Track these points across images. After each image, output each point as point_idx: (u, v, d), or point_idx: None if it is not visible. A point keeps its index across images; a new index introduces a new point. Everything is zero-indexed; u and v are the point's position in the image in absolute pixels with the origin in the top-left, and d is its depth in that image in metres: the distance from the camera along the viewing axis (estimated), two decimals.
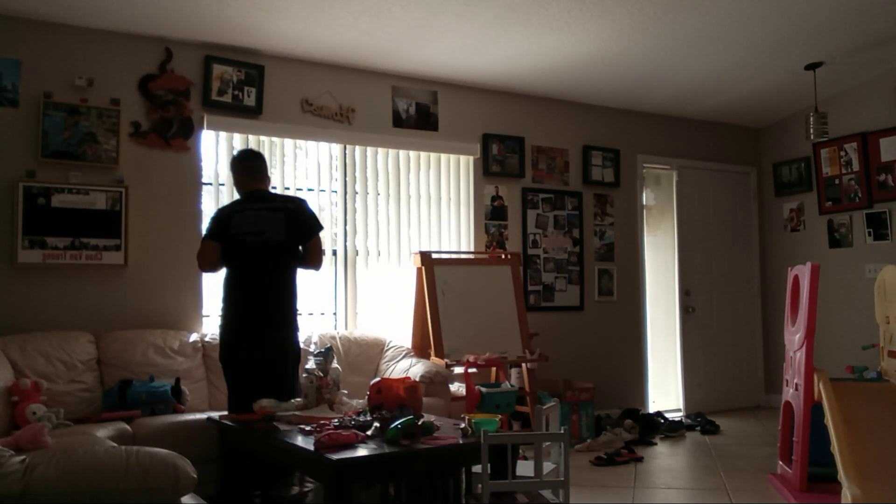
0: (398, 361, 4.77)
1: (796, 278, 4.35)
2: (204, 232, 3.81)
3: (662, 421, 5.83)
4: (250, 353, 3.61)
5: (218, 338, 3.79)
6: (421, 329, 5.06)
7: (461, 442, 2.79)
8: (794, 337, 4.24)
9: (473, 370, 4.67)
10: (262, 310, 3.65)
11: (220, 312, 3.74)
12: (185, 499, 2.01)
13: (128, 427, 3.61)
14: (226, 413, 3.60)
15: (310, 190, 5.06)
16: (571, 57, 5.19)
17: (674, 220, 6.69)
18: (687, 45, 5.09)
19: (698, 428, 5.88)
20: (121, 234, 4.33)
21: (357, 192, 5.19)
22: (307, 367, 3.63)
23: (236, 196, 3.92)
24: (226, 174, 4.75)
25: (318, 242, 3.76)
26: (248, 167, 3.84)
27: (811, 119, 5.70)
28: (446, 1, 4.26)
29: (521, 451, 3.70)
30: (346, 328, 5.11)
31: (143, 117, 4.49)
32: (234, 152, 4.20)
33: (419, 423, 2.86)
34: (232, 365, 3.66)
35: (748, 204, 7.11)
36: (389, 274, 5.29)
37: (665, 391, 6.60)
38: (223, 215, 3.74)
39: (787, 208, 6.86)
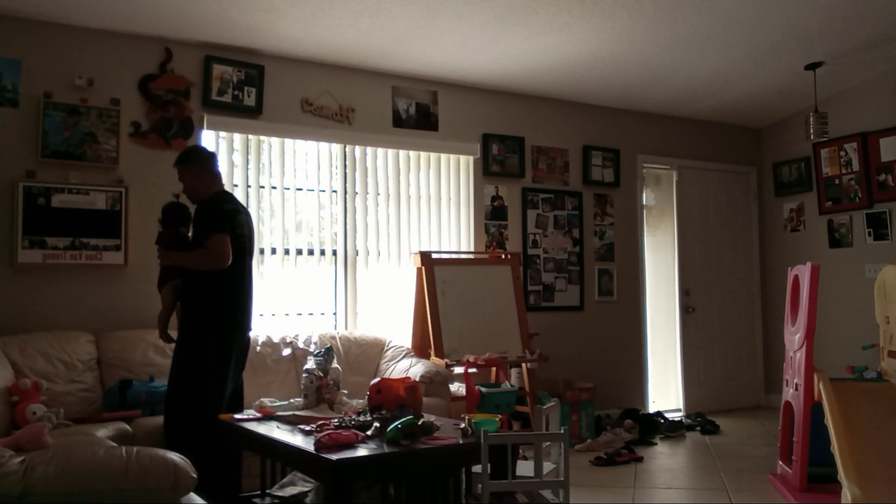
0: (398, 361, 4.77)
1: (796, 278, 4.35)
2: (216, 225, 3.42)
3: (662, 421, 5.83)
4: (240, 359, 3.66)
5: (210, 344, 3.48)
6: (421, 329, 5.06)
7: (461, 442, 2.79)
8: (794, 337, 4.24)
9: (473, 370, 4.67)
10: (251, 315, 3.71)
11: (213, 314, 3.49)
12: (185, 499, 2.01)
13: (128, 427, 3.61)
14: (226, 412, 3.59)
15: (310, 190, 5.06)
16: (571, 57, 5.19)
17: (674, 220, 6.69)
18: (687, 45, 5.09)
19: (698, 428, 5.88)
20: (121, 234, 4.34)
21: (357, 192, 5.19)
22: (307, 367, 3.63)
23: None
24: (226, 174, 4.74)
25: None
26: (217, 164, 3.72)
27: (811, 119, 5.70)
28: (446, 1, 4.26)
29: (521, 451, 3.70)
30: (346, 328, 5.11)
31: (143, 117, 4.49)
32: (196, 147, 3.95)
33: (419, 423, 2.86)
34: (226, 371, 3.52)
35: (748, 204, 7.11)
36: (389, 274, 5.29)
37: (665, 391, 6.60)
38: (233, 211, 3.55)
39: (787, 208, 6.86)
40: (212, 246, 3.37)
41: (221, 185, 3.71)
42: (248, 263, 3.65)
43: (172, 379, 3.50)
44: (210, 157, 3.69)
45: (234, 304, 3.54)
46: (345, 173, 5.17)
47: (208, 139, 4.70)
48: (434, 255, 5.12)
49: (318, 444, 2.65)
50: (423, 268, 5.01)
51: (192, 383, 3.43)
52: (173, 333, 3.64)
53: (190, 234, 3.66)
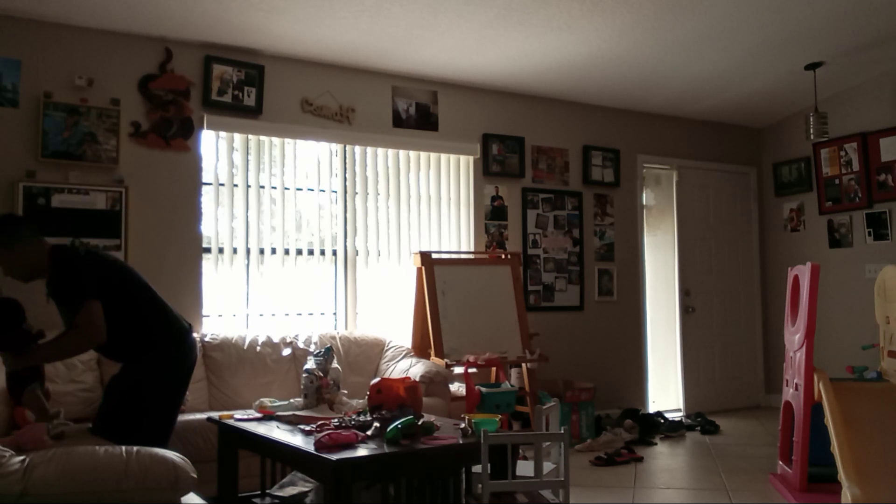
0: (398, 361, 4.77)
1: (796, 278, 4.35)
2: (81, 294, 2.96)
3: (662, 421, 5.83)
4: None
5: (167, 363, 3.21)
6: (421, 329, 5.06)
7: (461, 442, 2.79)
8: (794, 337, 4.24)
9: (473, 370, 4.67)
10: (184, 320, 3.42)
11: (149, 339, 3.18)
12: (185, 498, 2.01)
13: None
14: (226, 413, 3.58)
15: (310, 190, 5.06)
16: (571, 57, 5.19)
17: (674, 220, 6.69)
18: (687, 45, 5.09)
19: (698, 428, 5.88)
20: (121, 234, 4.34)
21: (357, 192, 5.19)
22: (307, 367, 3.63)
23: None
24: (226, 174, 4.76)
25: None
26: (28, 228, 3.10)
27: (811, 119, 5.70)
28: (446, 1, 4.26)
29: (521, 451, 3.70)
30: (346, 328, 5.11)
31: (143, 117, 4.49)
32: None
33: (419, 423, 2.86)
34: (185, 384, 3.33)
35: (748, 204, 7.11)
36: (389, 274, 5.29)
37: (665, 391, 6.60)
38: (86, 264, 3.04)
39: (787, 208, 6.86)
40: (82, 325, 2.94)
41: (47, 243, 3.09)
42: (139, 286, 3.23)
43: (128, 402, 3.12)
44: (21, 224, 3.10)
45: (162, 319, 3.23)
46: (345, 173, 5.17)
47: (208, 139, 4.70)
48: (434, 255, 5.12)
49: (318, 444, 2.65)
50: (423, 268, 5.01)
51: (156, 404, 3.17)
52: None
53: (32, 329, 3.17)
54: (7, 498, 1.77)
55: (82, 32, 4.36)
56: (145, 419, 3.10)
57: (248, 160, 4.83)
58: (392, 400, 3.08)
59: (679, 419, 6.09)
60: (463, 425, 2.94)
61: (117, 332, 3.06)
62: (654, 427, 5.69)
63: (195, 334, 3.98)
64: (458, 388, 4.81)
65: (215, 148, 4.74)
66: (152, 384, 3.15)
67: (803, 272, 4.21)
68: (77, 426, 3.20)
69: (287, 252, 4.94)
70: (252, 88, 4.77)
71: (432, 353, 4.83)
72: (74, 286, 2.98)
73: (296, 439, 2.86)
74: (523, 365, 5.06)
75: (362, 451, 2.63)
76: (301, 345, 4.63)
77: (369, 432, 2.86)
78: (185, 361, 3.29)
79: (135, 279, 3.23)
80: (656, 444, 5.45)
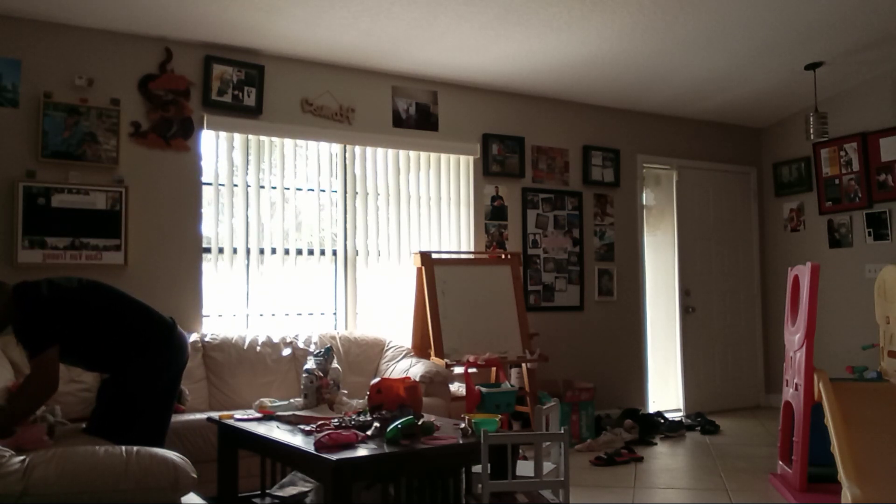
0: (398, 361, 4.77)
1: (796, 278, 4.35)
2: (36, 346, 2.90)
3: (662, 421, 5.83)
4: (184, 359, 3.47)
5: (160, 366, 3.22)
6: (421, 329, 5.06)
7: (461, 442, 2.79)
8: (794, 337, 4.24)
9: (473, 370, 4.67)
10: (166, 320, 3.39)
11: (140, 342, 3.18)
12: (185, 498, 2.01)
13: None
14: (226, 413, 3.59)
15: (310, 190, 5.06)
16: (571, 57, 5.19)
17: (674, 220, 6.68)
18: (687, 45, 5.09)
19: (698, 428, 5.88)
20: (121, 234, 4.34)
21: (357, 192, 5.19)
22: (307, 367, 3.63)
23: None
24: (226, 174, 4.76)
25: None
26: None
27: (811, 119, 5.70)
28: (446, 1, 4.26)
29: (521, 451, 3.70)
30: (346, 328, 5.11)
31: (143, 117, 4.49)
32: None
33: (419, 423, 2.86)
34: (178, 381, 3.37)
35: (748, 204, 7.11)
36: (389, 274, 5.29)
37: (665, 391, 6.60)
38: (43, 305, 2.95)
39: (787, 208, 6.86)
40: (34, 377, 2.91)
41: (7, 288, 2.95)
42: (113, 299, 3.20)
43: (120, 404, 3.13)
44: None
45: (146, 323, 3.23)
46: (345, 173, 5.17)
47: (208, 139, 4.70)
48: (434, 255, 5.12)
49: (318, 444, 2.65)
50: (423, 268, 5.01)
51: (148, 404, 3.19)
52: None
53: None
54: (7, 498, 1.77)
55: (82, 32, 4.36)
56: (138, 419, 3.12)
57: (248, 160, 4.83)
58: (392, 400, 3.08)
59: (679, 419, 6.09)
60: (463, 425, 2.94)
61: (101, 348, 3.11)
62: (654, 427, 5.69)
63: (194, 335, 4.00)
64: (458, 388, 4.81)
65: (215, 148, 4.74)
66: (143, 386, 3.17)
67: (803, 272, 4.21)
68: (72, 426, 3.20)
69: (287, 252, 4.94)
70: (252, 88, 4.77)
71: (432, 353, 4.83)
72: (32, 335, 2.92)
73: (296, 439, 2.86)
74: (523, 365, 5.06)
75: (362, 451, 2.63)
76: (301, 345, 4.63)
77: (369, 432, 2.86)
78: (177, 359, 3.29)
79: (106, 294, 3.18)
80: (656, 444, 5.45)
